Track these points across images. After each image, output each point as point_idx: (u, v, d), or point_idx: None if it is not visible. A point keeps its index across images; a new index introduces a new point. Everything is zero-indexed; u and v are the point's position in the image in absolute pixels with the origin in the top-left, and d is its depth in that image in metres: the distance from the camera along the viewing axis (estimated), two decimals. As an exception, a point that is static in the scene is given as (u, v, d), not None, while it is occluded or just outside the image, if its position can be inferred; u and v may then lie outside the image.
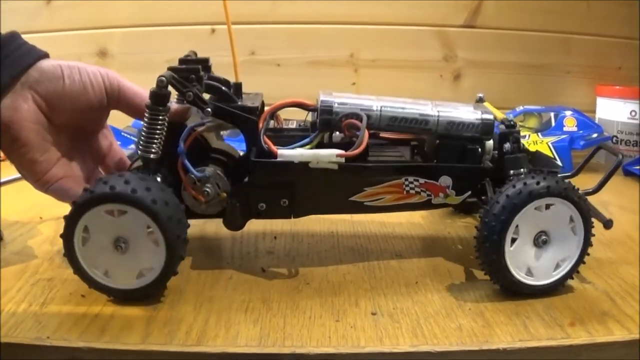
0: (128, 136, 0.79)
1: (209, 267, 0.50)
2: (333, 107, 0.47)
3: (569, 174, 0.56)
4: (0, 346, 0.38)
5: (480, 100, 0.55)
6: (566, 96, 0.96)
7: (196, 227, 0.58)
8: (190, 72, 0.44)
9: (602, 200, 0.54)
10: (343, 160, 0.46)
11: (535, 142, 0.83)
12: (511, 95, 0.94)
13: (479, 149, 0.49)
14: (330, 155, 0.46)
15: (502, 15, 0.94)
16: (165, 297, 0.44)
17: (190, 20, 0.93)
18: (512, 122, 0.49)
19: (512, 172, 0.47)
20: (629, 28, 0.95)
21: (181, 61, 0.47)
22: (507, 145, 0.49)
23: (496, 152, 0.50)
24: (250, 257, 0.53)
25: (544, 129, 0.87)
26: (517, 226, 0.43)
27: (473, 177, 0.49)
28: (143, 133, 0.44)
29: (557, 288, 0.45)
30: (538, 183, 0.43)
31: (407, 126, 0.48)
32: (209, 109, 0.45)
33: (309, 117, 0.50)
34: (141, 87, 0.47)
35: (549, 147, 0.82)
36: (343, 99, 0.48)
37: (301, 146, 0.47)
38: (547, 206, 0.44)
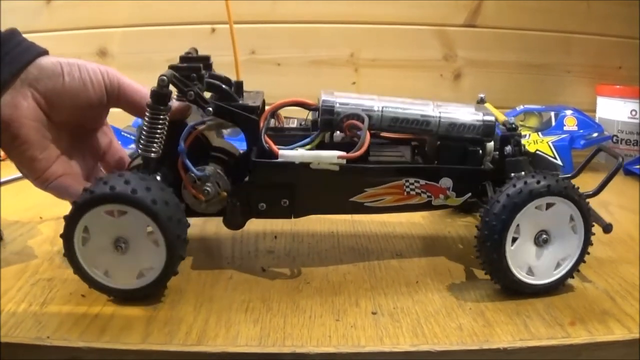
0: (128, 136, 0.79)
1: (209, 267, 0.50)
2: (334, 107, 0.47)
3: (569, 175, 0.56)
4: (0, 346, 0.38)
5: (482, 101, 0.55)
6: (566, 95, 0.96)
7: (196, 227, 0.58)
8: (192, 70, 0.44)
9: (603, 199, 0.54)
10: (344, 161, 0.46)
11: (535, 141, 0.83)
12: (511, 94, 0.94)
13: (480, 151, 0.49)
14: (331, 157, 0.46)
15: (502, 14, 0.94)
16: (165, 297, 0.44)
17: (190, 19, 0.92)
18: (513, 125, 0.49)
19: (513, 175, 0.47)
20: (629, 28, 0.95)
21: (182, 59, 0.46)
22: (508, 148, 0.48)
23: (497, 153, 0.49)
24: (250, 256, 0.53)
25: (544, 128, 0.87)
26: (517, 225, 0.43)
27: (474, 178, 0.49)
28: (144, 132, 0.44)
29: (557, 287, 0.45)
30: (538, 182, 0.43)
31: (409, 127, 0.48)
32: (210, 108, 0.45)
33: (310, 116, 0.50)
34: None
35: (549, 146, 0.82)
36: (344, 99, 0.48)
37: (302, 146, 0.47)
38: (548, 205, 0.44)
